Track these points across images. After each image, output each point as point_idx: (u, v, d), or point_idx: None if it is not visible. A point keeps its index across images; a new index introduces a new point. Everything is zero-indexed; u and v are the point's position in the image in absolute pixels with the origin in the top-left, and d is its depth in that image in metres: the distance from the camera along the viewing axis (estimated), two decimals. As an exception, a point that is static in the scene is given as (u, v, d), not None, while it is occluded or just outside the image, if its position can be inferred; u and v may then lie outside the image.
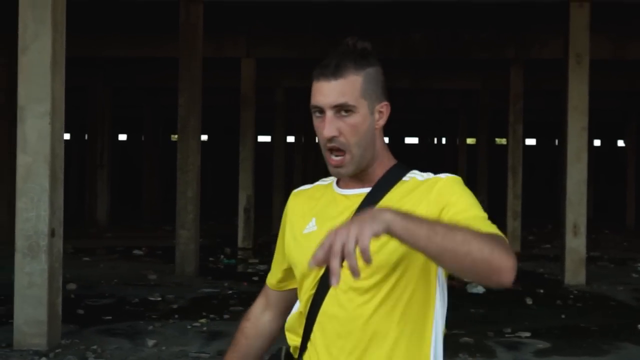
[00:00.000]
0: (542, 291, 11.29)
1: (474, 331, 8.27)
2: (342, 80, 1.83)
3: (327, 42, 16.48)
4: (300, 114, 26.32)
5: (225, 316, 8.93)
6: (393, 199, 1.86)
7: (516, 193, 17.42)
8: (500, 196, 19.38)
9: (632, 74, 19.79)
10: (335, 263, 1.51)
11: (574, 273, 11.82)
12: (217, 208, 28.11)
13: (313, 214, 1.96)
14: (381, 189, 1.88)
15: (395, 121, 34.66)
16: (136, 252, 15.62)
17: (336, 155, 1.85)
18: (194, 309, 9.38)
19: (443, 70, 20.12)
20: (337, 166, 1.86)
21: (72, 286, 10.49)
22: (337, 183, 1.98)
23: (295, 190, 2.09)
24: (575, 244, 11.82)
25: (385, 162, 1.94)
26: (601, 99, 23.31)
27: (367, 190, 1.90)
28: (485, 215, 1.82)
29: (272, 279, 2.13)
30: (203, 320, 8.56)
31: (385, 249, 1.80)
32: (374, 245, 1.67)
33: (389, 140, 38.21)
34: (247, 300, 10.04)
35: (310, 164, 27.16)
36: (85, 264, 13.19)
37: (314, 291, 1.91)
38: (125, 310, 9.24)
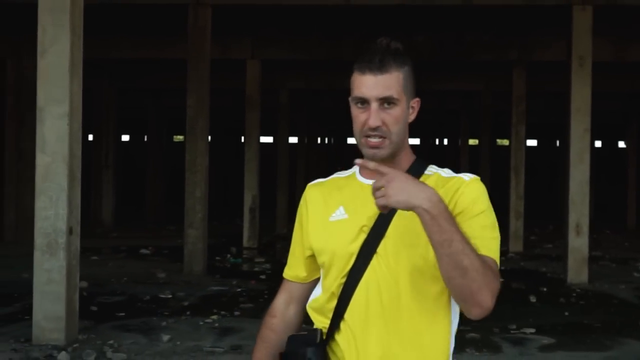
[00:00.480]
0: (545, 289, 11.48)
1: (480, 327, 8.45)
2: (387, 75, 2.00)
3: (331, 45, 16.70)
4: (304, 116, 26.52)
5: (236, 313, 9.12)
6: None
7: (519, 193, 17.61)
8: (503, 197, 19.58)
9: (633, 76, 19.99)
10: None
11: (577, 272, 12.01)
12: (219, 209, 28.29)
13: (340, 203, 2.08)
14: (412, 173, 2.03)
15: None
16: (143, 251, 15.81)
17: (375, 138, 2.00)
18: (204, 306, 9.57)
19: (446, 72, 20.31)
20: (374, 147, 2.00)
21: (83, 284, 10.62)
22: (361, 174, 2.11)
23: (311, 183, 2.20)
24: (578, 243, 12.00)
25: (409, 155, 2.11)
26: (602, 100, 23.50)
27: None
28: (495, 236, 2.01)
29: (298, 272, 2.21)
30: (214, 317, 8.75)
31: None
32: (420, 225, 1.88)
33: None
34: (256, 297, 10.26)
35: (312, 165, 27.36)
36: (94, 263, 13.39)
37: (345, 278, 2.04)
38: (138, 307, 9.44)
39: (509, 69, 17.91)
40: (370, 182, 2.01)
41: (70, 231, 7.28)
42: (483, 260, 1.88)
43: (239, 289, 11.03)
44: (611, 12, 13.41)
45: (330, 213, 2.09)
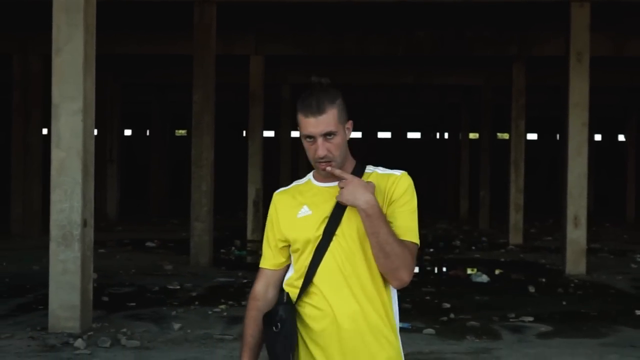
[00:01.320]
0: (544, 280, 11.74)
1: (480, 316, 8.72)
2: (325, 115, 2.58)
3: (334, 40, 16.93)
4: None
5: (243, 303, 9.37)
6: None
7: (518, 187, 17.86)
8: (503, 190, 19.83)
9: (632, 70, 20.21)
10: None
11: (575, 263, 12.26)
12: (221, 202, 28.55)
13: (303, 203, 2.68)
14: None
15: (398, 116, 35.15)
16: (149, 244, 16.07)
17: (323, 163, 2.62)
18: (212, 296, 9.84)
19: (446, 67, 20.54)
20: (324, 169, 2.63)
21: (93, 276, 10.91)
22: (315, 179, 2.72)
23: (277, 191, 2.79)
24: (576, 235, 12.25)
25: (351, 161, 2.71)
26: (602, 94, 23.75)
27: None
28: (414, 225, 2.65)
29: (274, 261, 2.75)
30: (223, 307, 9.02)
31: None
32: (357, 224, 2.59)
33: (391, 135, 38.62)
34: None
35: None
36: (102, 255, 13.63)
37: (312, 256, 2.64)
38: (147, 298, 9.71)
39: (508, 64, 18.15)
40: (326, 185, 2.68)
41: (84, 223, 7.54)
42: (404, 245, 2.55)
43: (245, 280, 11.30)
44: (609, 8, 13.64)
45: (297, 212, 2.69)
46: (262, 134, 18.12)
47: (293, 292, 2.68)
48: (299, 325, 2.65)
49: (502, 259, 14.78)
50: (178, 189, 32.04)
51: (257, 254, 15.08)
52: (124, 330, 7.65)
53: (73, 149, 7.47)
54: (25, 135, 17.94)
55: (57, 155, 7.50)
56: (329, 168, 2.61)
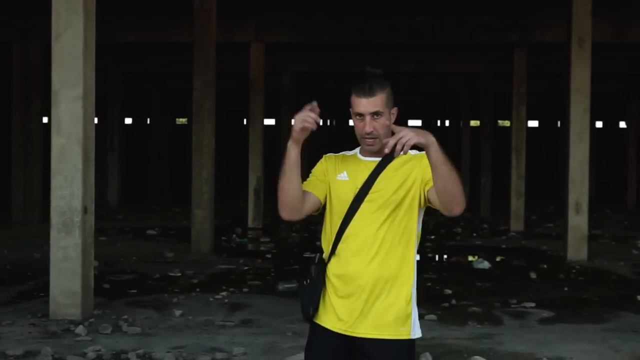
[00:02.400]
0: (545, 266, 11.73)
1: (482, 302, 8.72)
2: (374, 98, 3.01)
3: (334, 27, 16.87)
4: (306, 98, 26.67)
5: (245, 289, 9.38)
6: (396, 164, 3.05)
7: (520, 173, 17.85)
8: (504, 177, 19.80)
9: (634, 57, 20.15)
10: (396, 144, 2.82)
11: (576, 249, 12.25)
12: (222, 190, 28.54)
13: (344, 169, 3.11)
14: (387, 159, 3.05)
15: (399, 103, 34.95)
16: (150, 232, 16.07)
17: (370, 139, 3.05)
18: (213, 283, 9.83)
19: (447, 53, 20.48)
20: (370, 145, 3.07)
21: (94, 263, 10.91)
22: (360, 154, 3.12)
23: (327, 155, 3.20)
24: (578, 221, 12.23)
25: None
26: (603, 81, 23.67)
27: (379, 159, 3.07)
28: None
29: (311, 187, 3.10)
30: (224, 294, 9.00)
31: (397, 194, 3.02)
32: (393, 187, 3.02)
33: (394, 122, 38.58)
34: (263, 275, 10.53)
35: (315, 147, 27.54)
36: (103, 243, 13.63)
37: (341, 220, 3.04)
38: (148, 285, 9.70)
39: (509, 51, 18.09)
40: (367, 159, 3.10)
41: (85, 210, 7.52)
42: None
43: (246, 267, 11.29)
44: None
45: (338, 174, 3.12)
46: (262, 121, 18.08)
47: (326, 251, 3.12)
48: (327, 282, 3.09)
49: (504, 246, 14.77)
50: (179, 177, 32.02)
51: (258, 241, 15.08)
52: (125, 317, 7.65)
53: (73, 135, 7.44)
54: (25, 123, 17.91)
55: (57, 142, 7.47)
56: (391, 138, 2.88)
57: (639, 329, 7.45)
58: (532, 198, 22.42)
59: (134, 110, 37.23)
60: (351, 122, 3.16)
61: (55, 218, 7.48)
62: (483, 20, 16.54)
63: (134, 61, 22.39)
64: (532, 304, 8.61)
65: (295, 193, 3.03)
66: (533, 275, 10.77)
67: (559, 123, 36.78)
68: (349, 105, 3.09)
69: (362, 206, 3.01)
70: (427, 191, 3.00)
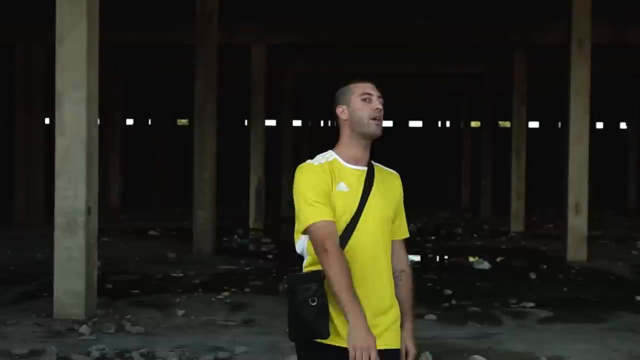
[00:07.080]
0: (545, 267, 11.80)
1: (481, 302, 8.79)
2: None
3: (336, 29, 16.95)
4: (307, 99, 26.78)
5: (246, 290, 9.45)
6: (379, 177, 3.10)
7: (520, 174, 17.92)
8: (505, 178, 19.87)
9: (634, 58, 20.21)
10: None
11: (576, 250, 12.31)
12: (223, 192, 28.58)
13: (340, 179, 3.03)
14: (371, 169, 3.10)
15: (400, 105, 35.11)
16: (152, 232, 16.14)
17: (378, 120, 3.08)
18: (215, 283, 9.90)
19: (448, 55, 20.55)
20: (377, 125, 3.08)
21: (97, 263, 10.99)
22: (344, 160, 3.07)
23: (319, 164, 3.04)
24: (577, 222, 12.30)
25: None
26: (603, 82, 23.74)
27: (364, 168, 3.08)
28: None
29: (330, 212, 2.97)
30: (226, 294, 9.08)
31: (390, 206, 3.09)
32: (387, 199, 3.08)
33: (393, 123, 38.61)
34: (265, 276, 10.60)
35: (316, 148, 27.62)
36: (105, 244, 13.70)
37: (342, 232, 2.98)
38: (151, 285, 9.78)
39: (510, 52, 18.16)
40: (354, 167, 3.07)
41: (88, 211, 7.60)
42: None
43: (248, 268, 11.37)
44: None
45: (336, 185, 3.03)
46: (264, 123, 18.16)
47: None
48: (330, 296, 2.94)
49: (504, 246, 14.85)
50: (180, 178, 32.10)
51: (260, 242, 15.15)
52: (128, 316, 7.73)
53: (77, 137, 7.52)
54: (27, 124, 17.99)
55: (61, 143, 7.55)
56: None
57: (638, 329, 7.52)
58: (532, 199, 22.48)
59: (136, 112, 37.30)
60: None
61: (59, 219, 7.55)
62: (483, 22, 16.61)
63: (136, 63, 22.46)
64: (532, 304, 8.68)
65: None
66: (533, 276, 10.84)
67: (559, 124, 36.83)
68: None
69: (362, 217, 2.99)
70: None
